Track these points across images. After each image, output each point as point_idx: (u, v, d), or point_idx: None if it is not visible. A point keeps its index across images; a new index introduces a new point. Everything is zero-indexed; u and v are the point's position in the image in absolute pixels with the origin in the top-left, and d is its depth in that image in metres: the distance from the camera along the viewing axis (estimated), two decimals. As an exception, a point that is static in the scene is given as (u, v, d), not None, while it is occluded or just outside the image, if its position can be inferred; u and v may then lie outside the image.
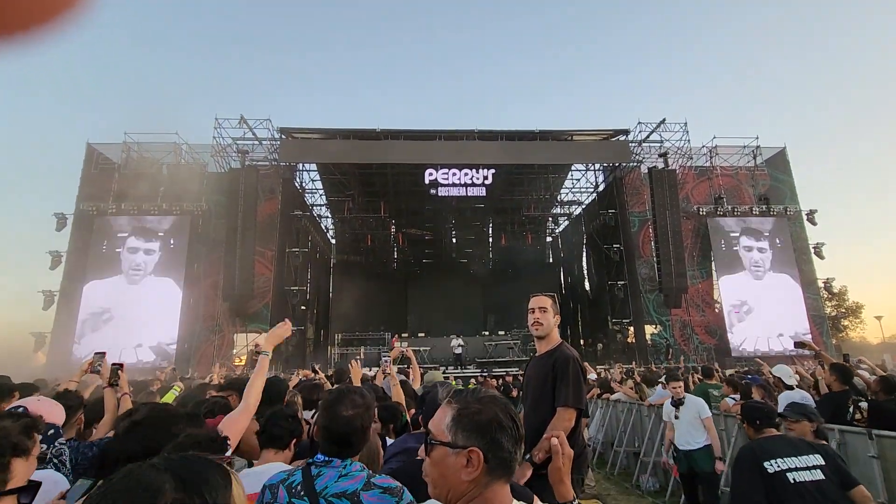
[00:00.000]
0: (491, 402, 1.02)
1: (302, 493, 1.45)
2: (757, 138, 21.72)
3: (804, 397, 4.79)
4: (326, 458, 1.54)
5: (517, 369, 16.94)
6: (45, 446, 1.84)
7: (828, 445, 2.82)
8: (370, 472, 1.53)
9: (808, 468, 2.45)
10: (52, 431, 2.00)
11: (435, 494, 1.00)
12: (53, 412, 2.15)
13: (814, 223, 20.85)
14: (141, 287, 18.10)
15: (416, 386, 4.16)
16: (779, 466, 2.46)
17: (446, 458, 0.98)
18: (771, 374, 6.68)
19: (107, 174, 19.12)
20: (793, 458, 2.48)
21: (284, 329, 2.36)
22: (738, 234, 20.45)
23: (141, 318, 17.70)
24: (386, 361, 4.05)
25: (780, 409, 4.84)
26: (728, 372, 9.69)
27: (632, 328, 20.15)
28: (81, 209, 18.52)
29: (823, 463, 2.48)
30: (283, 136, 19.66)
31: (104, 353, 2.72)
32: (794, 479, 2.41)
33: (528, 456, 2.29)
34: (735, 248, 20.33)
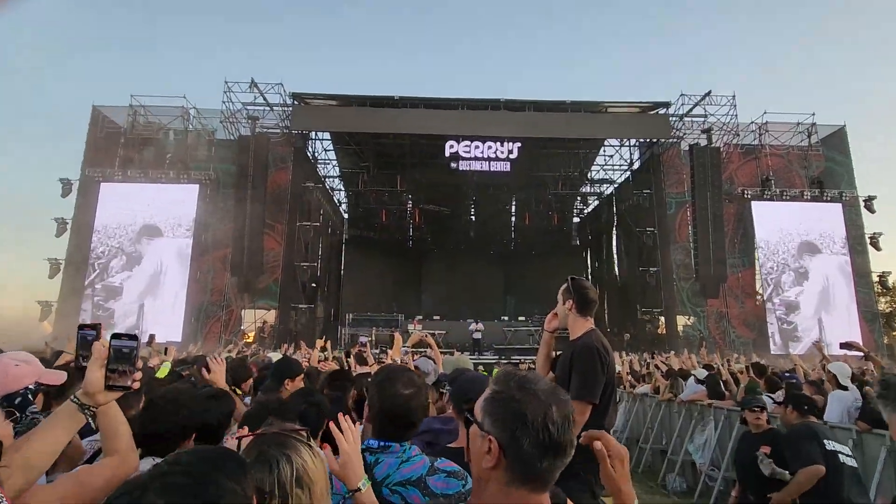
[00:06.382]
0: (532, 394, 0.89)
1: None
2: (813, 115, 19.66)
3: (857, 399, 4.56)
4: (383, 444, 1.49)
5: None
6: (17, 414, 1.65)
7: None
8: (430, 456, 1.50)
9: (849, 455, 2.99)
10: (19, 399, 1.72)
11: (472, 472, 1.00)
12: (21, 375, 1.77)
13: (872, 211, 18.89)
14: (148, 258, 17.57)
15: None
16: (834, 447, 2.96)
17: (475, 437, 0.93)
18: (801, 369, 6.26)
19: (113, 139, 18.38)
20: (840, 444, 3.03)
21: None
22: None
23: (149, 291, 17.32)
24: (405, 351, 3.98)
25: (829, 410, 4.50)
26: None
27: (662, 318, 18.80)
28: (87, 175, 17.83)
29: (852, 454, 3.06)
30: (296, 103, 18.50)
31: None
32: (844, 462, 2.92)
33: None
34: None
